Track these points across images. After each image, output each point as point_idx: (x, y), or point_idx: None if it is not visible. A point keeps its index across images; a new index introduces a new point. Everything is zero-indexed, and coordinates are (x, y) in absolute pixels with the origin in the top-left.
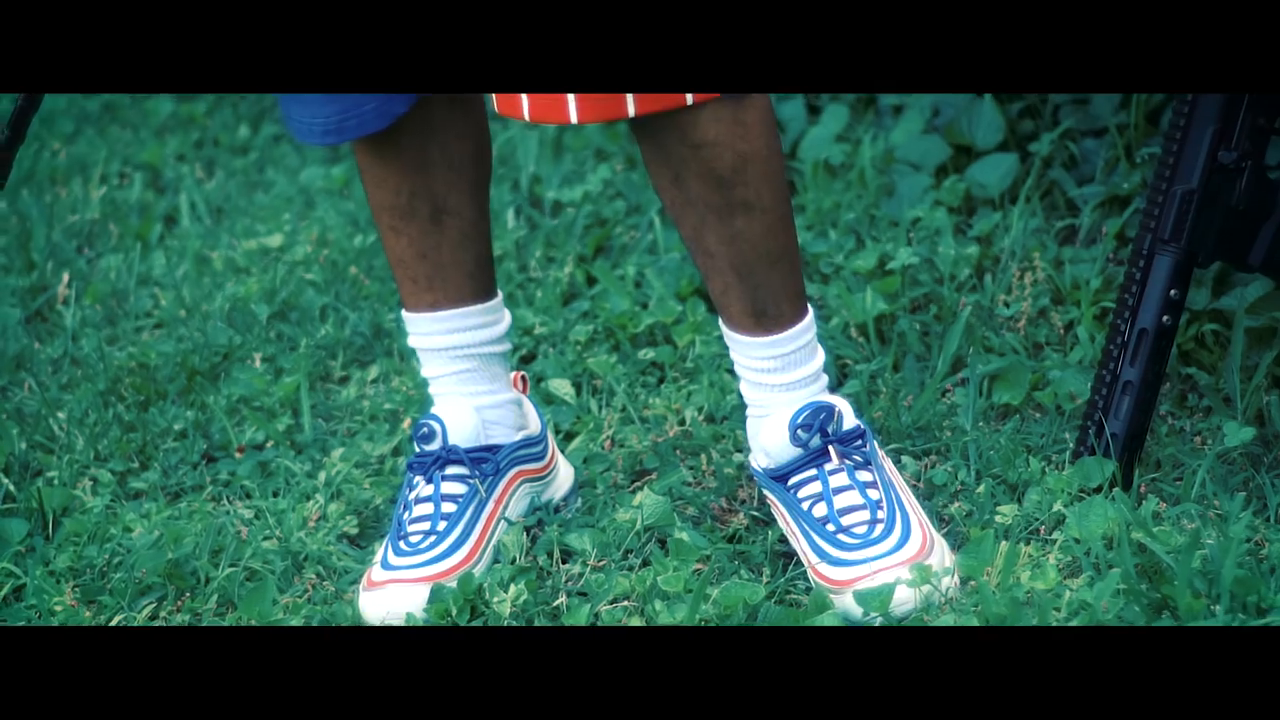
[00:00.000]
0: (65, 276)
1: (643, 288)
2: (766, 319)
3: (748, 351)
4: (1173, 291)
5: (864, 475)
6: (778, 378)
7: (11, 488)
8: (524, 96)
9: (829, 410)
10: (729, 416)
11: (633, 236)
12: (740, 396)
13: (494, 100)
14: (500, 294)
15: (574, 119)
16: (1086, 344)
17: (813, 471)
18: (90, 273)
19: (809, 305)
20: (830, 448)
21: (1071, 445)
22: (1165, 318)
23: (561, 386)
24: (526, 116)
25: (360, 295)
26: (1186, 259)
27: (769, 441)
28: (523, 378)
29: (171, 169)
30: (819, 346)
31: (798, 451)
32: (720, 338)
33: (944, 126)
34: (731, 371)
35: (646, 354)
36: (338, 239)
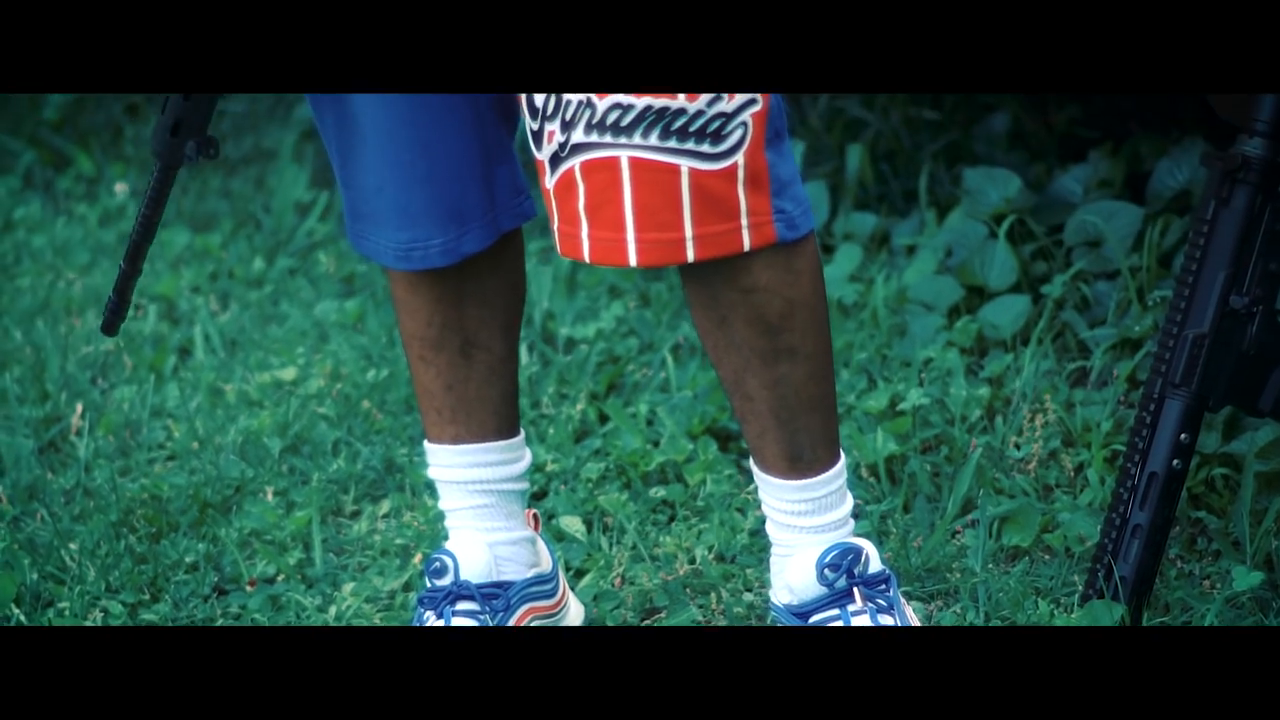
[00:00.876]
0: (79, 407)
1: (654, 425)
2: (801, 463)
3: (779, 494)
4: (1183, 435)
5: (886, 619)
6: (808, 520)
7: (23, 618)
8: (585, 238)
9: (856, 552)
10: (739, 556)
11: (645, 374)
12: (764, 535)
13: (557, 241)
14: (522, 432)
15: (633, 262)
16: (1097, 486)
17: (835, 611)
18: (104, 404)
19: (841, 450)
20: (855, 589)
21: (1080, 588)
22: (1175, 461)
23: (572, 523)
24: (587, 258)
25: (373, 430)
26: (1197, 403)
27: (794, 579)
28: (535, 515)
29: (186, 301)
30: (848, 491)
31: (823, 590)
32: (731, 476)
33: (957, 267)
34: (742, 510)
35: (658, 492)
36: (351, 373)
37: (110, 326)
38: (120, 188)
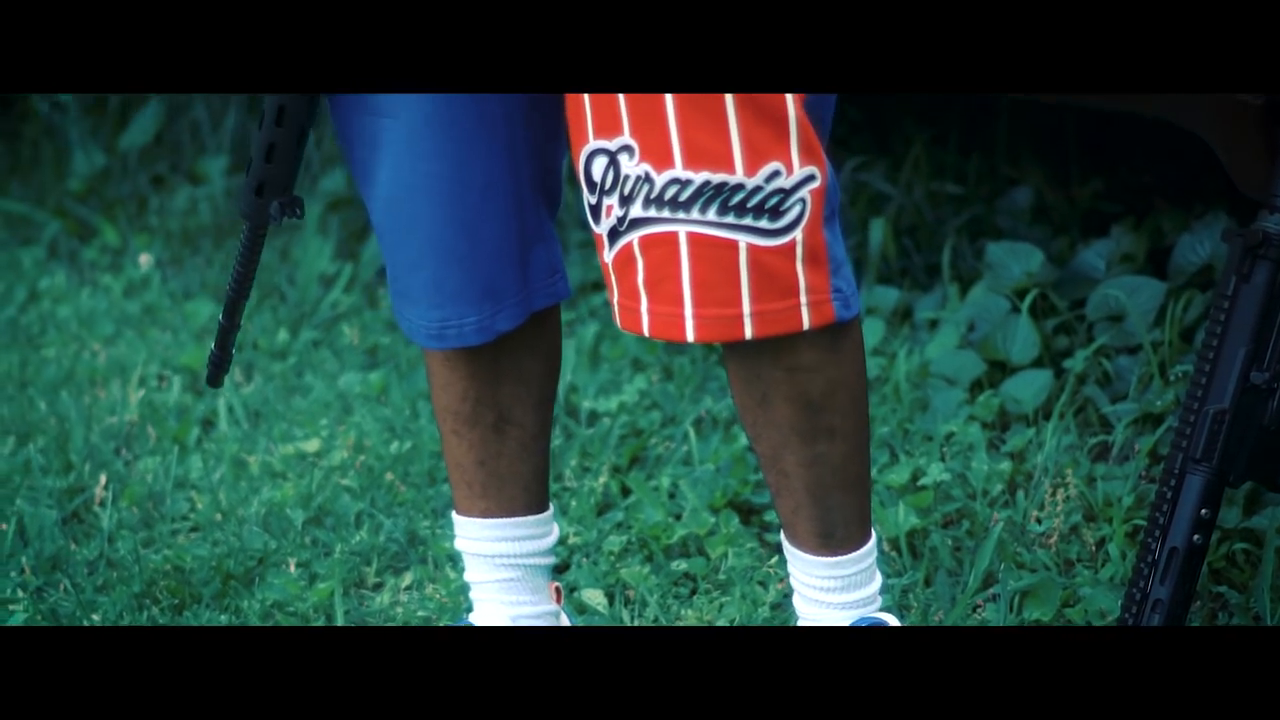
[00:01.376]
0: (103, 478)
1: (677, 499)
2: (834, 541)
3: (810, 570)
4: (1204, 511)
5: None
6: (837, 597)
7: None
8: (644, 313)
9: (881, 627)
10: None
11: (668, 447)
12: (786, 609)
13: (616, 314)
14: (551, 507)
15: (691, 338)
16: (1118, 561)
17: None
18: (127, 475)
19: (873, 528)
20: None
21: None
22: (1196, 537)
23: (594, 597)
24: (647, 332)
25: (396, 502)
26: (1218, 478)
27: None
28: (557, 588)
29: None
30: (877, 568)
31: None
32: (753, 550)
33: (979, 341)
34: (763, 584)
35: (679, 565)
36: (374, 445)
37: (214, 379)
38: (144, 259)
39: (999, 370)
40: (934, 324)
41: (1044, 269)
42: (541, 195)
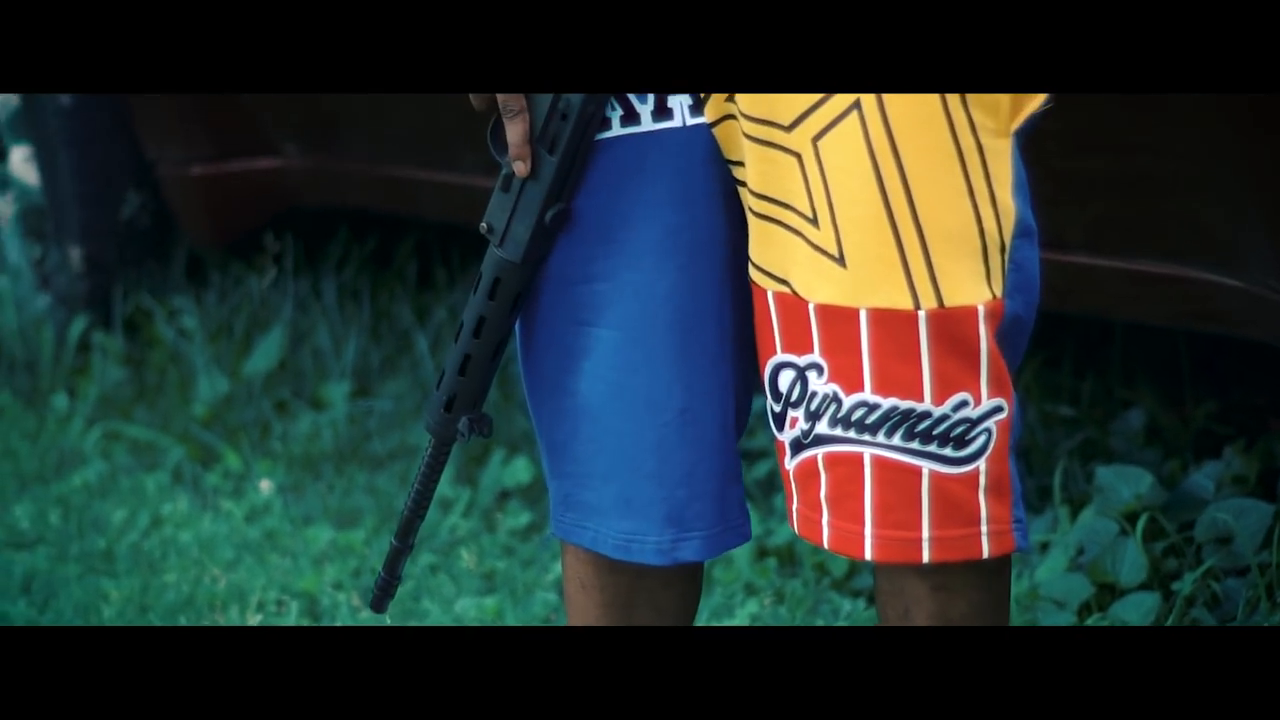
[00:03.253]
0: None
1: None
2: None
3: None
4: None
5: None
6: None
7: None
8: (825, 525)
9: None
10: None
11: None
12: None
13: (795, 520)
14: None
15: (869, 556)
16: None
17: None
18: None
19: None
20: None
21: None
22: None
23: None
24: (826, 544)
25: None
26: None
27: None
28: None
29: (328, 597)
30: None
31: None
32: None
33: (1088, 564)
34: None
35: None
36: None
37: (379, 604)
38: (265, 485)
39: (1108, 593)
40: (1044, 546)
41: (1154, 491)
42: (736, 433)
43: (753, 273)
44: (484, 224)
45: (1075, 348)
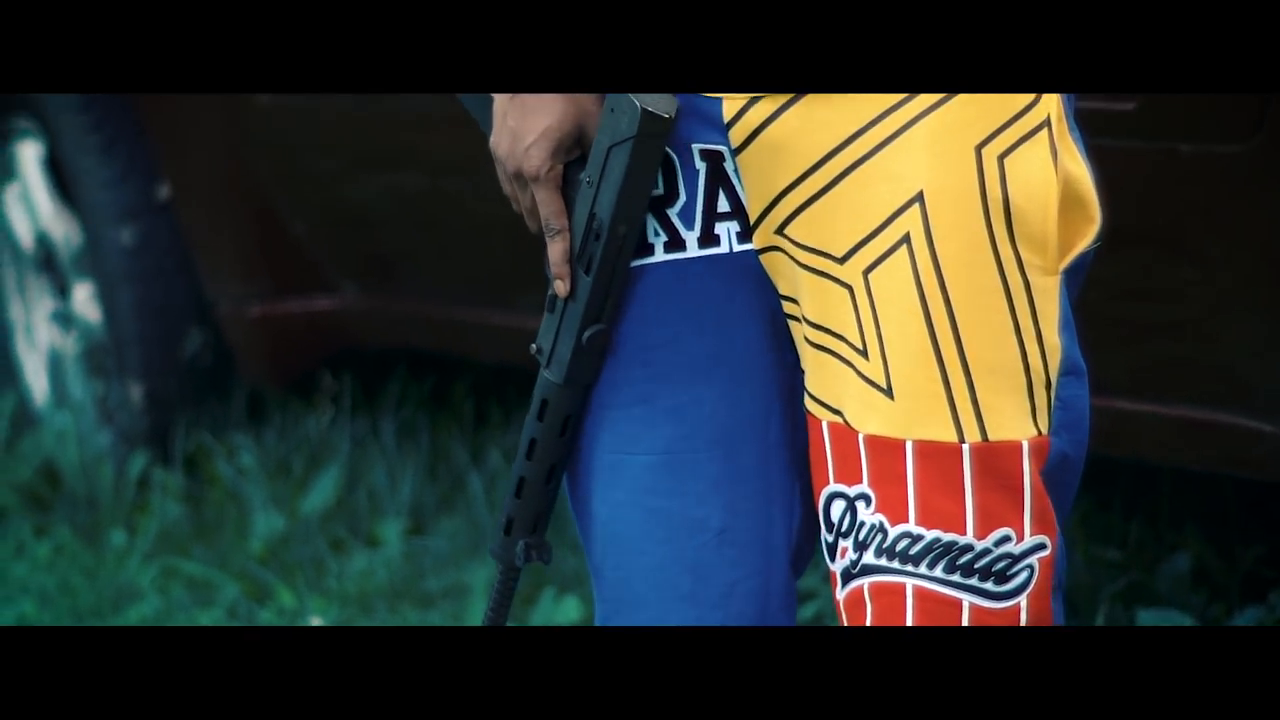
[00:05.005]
0: None
1: None
2: None
3: None
4: None
5: None
6: None
7: None
8: None
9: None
10: None
11: None
12: None
13: None
14: None
15: None
16: None
17: None
18: None
19: None
20: None
21: None
22: None
23: None
24: None
25: None
26: None
27: None
28: None
29: None
30: None
31: None
32: None
33: None
34: None
35: None
36: None
37: None
38: (315, 622)
39: None
40: None
41: None
42: (791, 562)
43: (808, 403)
44: (533, 345)
45: (1125, 490)
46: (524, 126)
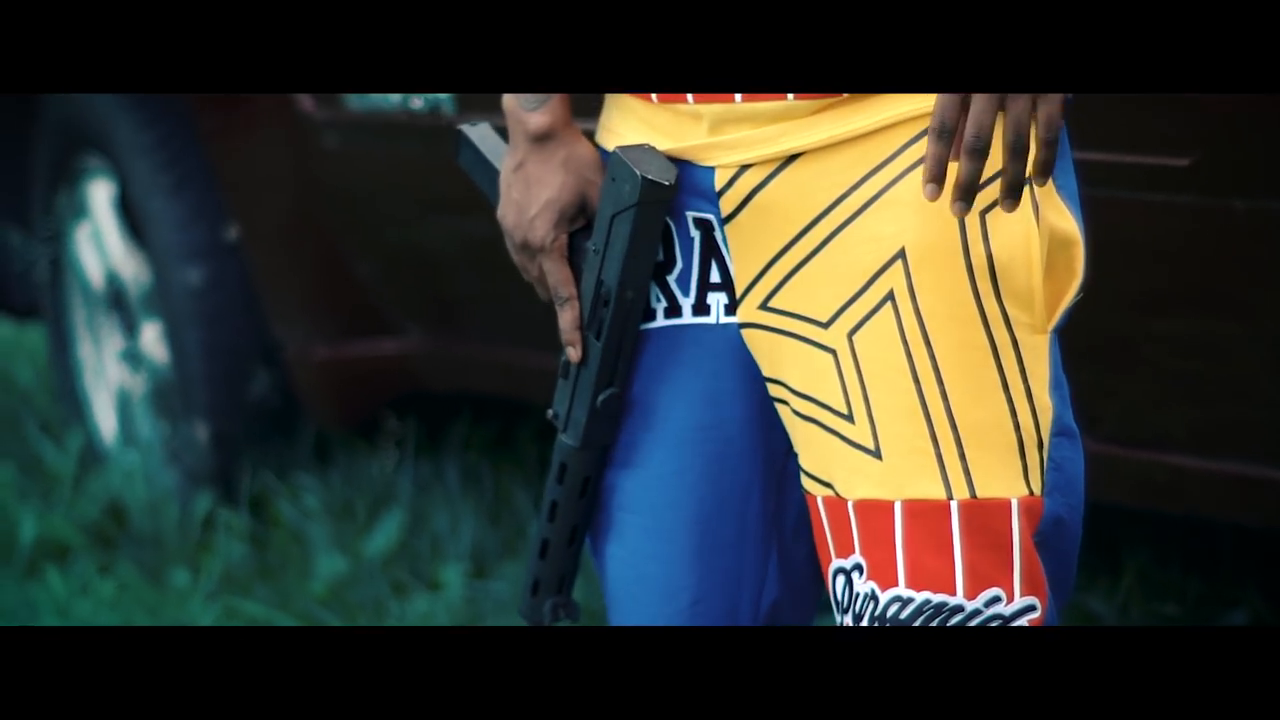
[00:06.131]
0: None
1: None
2: None
3: None
4: None
5: None
6: None
7: None
8: None
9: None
10: None
11: None
12: None
13: None
14: None
15: None
16: None
17: None
18: None
19: None
20: None
21: None
22: None
23: None
24: None
25: None
26: None
27: None
28: None
29: None
30: None
31: None
32: None
33: None
34: None
35: None
36: None
37: None
38: None
39: None
40: None
41: None
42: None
43: (804, 480)
44: (550, 410)
45: (1183, 545)
46: (527, 198)
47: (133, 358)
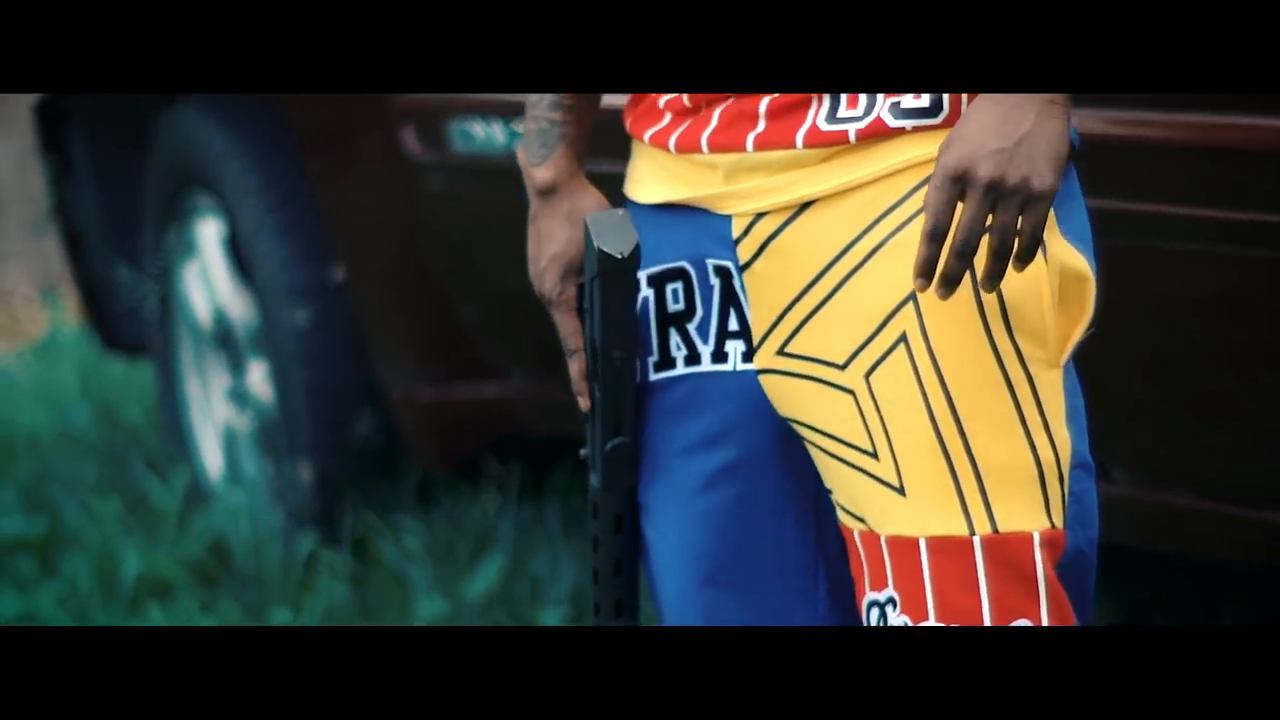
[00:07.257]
0: None
1: None
2: None
3: None
4: None
5: None
6: None
7: None
8: None
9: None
10: None
11: None
12: None
13: None
14: None
15: None
16: None
17: None
18: None
19: None
20: None
21: None
22: None
23: None
24: None
25: None
26: None
27: None
28: None
29: None
30: None
31: None
32: None
33: None
34: None
35: None
36: None
37: None
38: None
39: None
40: None
41: None
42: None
43: (840, 515)
44: (581, 451)
45: (1237, 595)
46: (538, 251)
47: (239, 396)
